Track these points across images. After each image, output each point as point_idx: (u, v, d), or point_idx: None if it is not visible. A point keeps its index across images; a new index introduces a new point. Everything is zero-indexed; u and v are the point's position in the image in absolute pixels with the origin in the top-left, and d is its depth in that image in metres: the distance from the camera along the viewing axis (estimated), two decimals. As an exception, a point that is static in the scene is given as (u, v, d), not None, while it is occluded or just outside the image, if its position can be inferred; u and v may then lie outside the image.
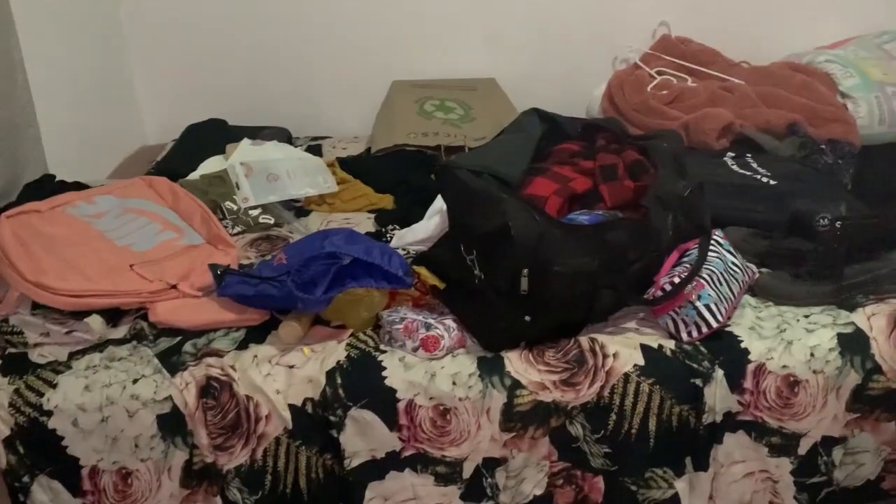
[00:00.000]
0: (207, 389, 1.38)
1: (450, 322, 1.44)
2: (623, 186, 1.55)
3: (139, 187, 1.80)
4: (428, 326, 1.41)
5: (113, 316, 1.53)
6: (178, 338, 1.48)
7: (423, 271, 1.54)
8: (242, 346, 1.46)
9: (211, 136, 2.36)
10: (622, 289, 1.39)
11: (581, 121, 1.80)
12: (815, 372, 1.36)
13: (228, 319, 1.51)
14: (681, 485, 1.41)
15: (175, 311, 1.52)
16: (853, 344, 1.37)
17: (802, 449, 1.40)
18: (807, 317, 1.43)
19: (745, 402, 1.37)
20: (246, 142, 2.20)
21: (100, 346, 1.46)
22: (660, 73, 2.34)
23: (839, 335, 1.38)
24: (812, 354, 1.36)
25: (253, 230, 1.93)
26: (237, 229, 1.92)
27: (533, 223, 1.32)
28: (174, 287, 1.56)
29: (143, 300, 1.52)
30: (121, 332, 1.51)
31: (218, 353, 1.44)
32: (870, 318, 1.39)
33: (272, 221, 1.95)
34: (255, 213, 1.95)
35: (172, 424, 1.38)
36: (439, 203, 1.73)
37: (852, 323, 1.39)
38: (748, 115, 2.15)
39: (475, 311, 1.44)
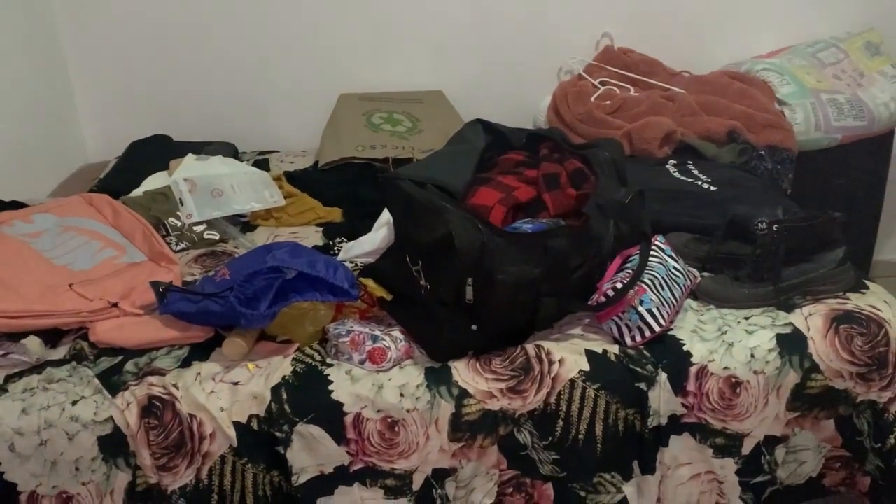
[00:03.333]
0: (149, 409, 1.36)
1: (396, 333, 1.44)
2: (566, 194, 1.56)
3: (79, 205, 1.77)
4: (375, 338, 1.41)
5: (52, 337, 1.50)
6: (120, 357, 1.45)
7: (369, 283, 1.54)
8: (185, 364, 1.44)
9: (155, 153, 2.32)
10: (565, 295, 1.40)
11: (525, 131, 1.81)
12: (755, 372, 1.38)
13: (171, 337, 1.49)
14: (629, 489, 1.42)
15: (116, 331, 1.49)
16: (791, 344, 1.39)
17: (746, 449, 1.42)
18: (747, 318, 1.46)
19: (688, 404, 1.39)
20: (190, 157, 2.17)
21: (38, 368, 1.43)
22: (603, 84, 2.37)
23: (778, 336, 1.40)
24: (752, 355, 1.39)
25: (198, 246, 1.90)
26: (181, 246, 1.89)
27: (476, 232, 1.32)
28: (115, 306, 1.53)
29: (83, 320, 1.49)
30: (60, 353, 1.48)
31: (160, 372, 1.41)
32: (807, 319, 1.43)
33: (217, 237, 1.93)
34: (199, 228, 1.92)
35: (114, 446, 1.35)
36: (386, 215, 1.72)
37: (790, 323, 1.42)
38: (689, 123, 2.19)
39: (422, 321, 1.43)
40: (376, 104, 2.47)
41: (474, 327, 1.38)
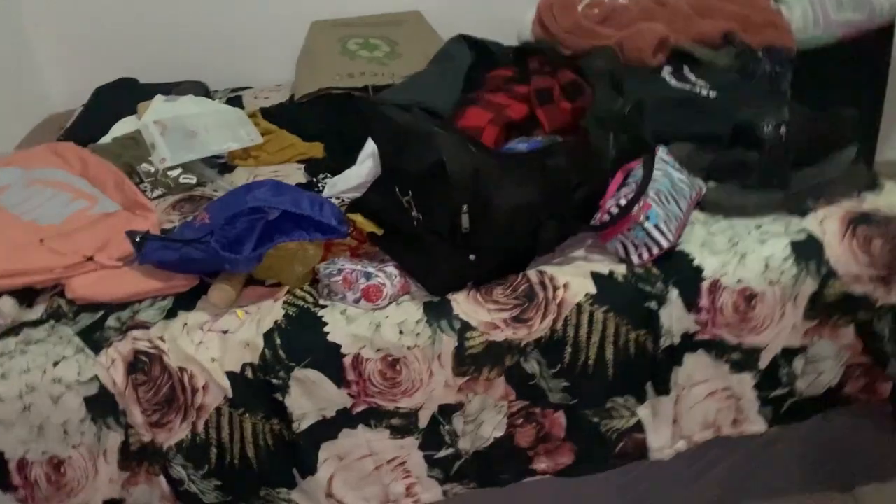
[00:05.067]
0: (136, 365, 1.29)
1: (391, 269, 1.36)
2: (560, 109, 1.47)
3: (45, 156, 1.67)
4: (368, 276, 1.33)
5: (26, 296, 1.42)
6: (101, 313, 1.38)
7: (358, 218, 1.46)
8: (171, 315, 1.36)
9: (122, 97, 2.21)
10: (566, 217, 1.32)
11: (513, 47, 1.71)
12: (770, 283, 1.31)
13: (153, 288, 1.41)
14: (644, 412, 1.37)
15: (94, 285, 1.41)
16: (807, 250, 1.33)
17: (763, 362, 1.36)
18: (758, 227, 1.38)
19: (702, 321, 1.33)
20: (159, 98, 2.06)
21: (14, 330, 1.35)
22: (589, -8, 2.24)
23: (792, 243, 1.33)
24: (767, 265, 1.32)
25: (174, 192, 1.81)
26: (157, 192, 1.80)
27: (468, 156, 1.24)
28: (90, 259, 1.44)
29: (58, 276, 1.41)
30: (36, 312, 1.40)
31: (144, 325, 1.34)
32: (822, 223, 1.35)
33: (194, 181, 1.83)
34: (174, 173, 1.82)
35: (102, 405, 1.29)
36: (370, 146, 1.63)
37: (805, 229, 1.35)
38: (682, 28, 2.07)
39: (416, 254, 1.36)
40: (351, 30, 2.34)
41: (472, 257, 1.30)
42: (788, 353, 1.36)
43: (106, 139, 1.94)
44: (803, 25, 2.08)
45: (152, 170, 1.80)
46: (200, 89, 2.28)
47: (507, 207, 1.25)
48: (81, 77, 2.40)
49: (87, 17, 2.41)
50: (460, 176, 1.22)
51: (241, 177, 1.87)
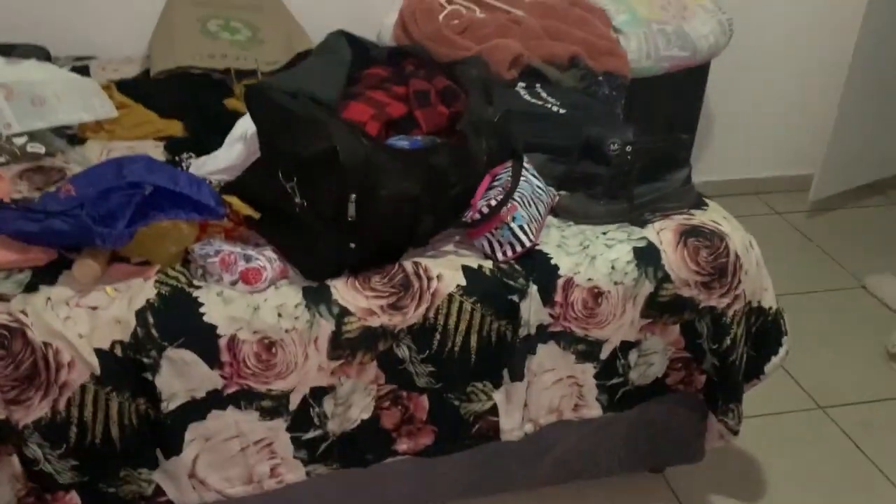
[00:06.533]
0: (-5, 338, 1.22)
1: (270, 253, 1.39)
2: (437, 112, 1.56)
3: None
4: (248, 258, 1.35)
5: None
6: (-51, 284, 1.29)
7: (234, 201, 1.46)
8: (30, 288, 1.30)
9: (-49, 55, 2.03)
10: (444, 212, 1.41)
11: (385, 47, 1.77)
12: (615, 283, 1.48)
13: (9, 260, 1.34)
14: (499, 396, 1.49)
15: (-59, 254, 1.32)
16: (647, 256, 1.50)
17: (604, 354, 1.52)
18: (605, 233, 1.54)
19: (555, 314, 1.47)
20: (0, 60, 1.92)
21: None
22: (449, 3, 2.35)
23: (634, 249, 1.50)
24: (613, 267, 1.48)
25: (20, 160, 1.71)
26: (1, 159, 1.68)
27: (359, 146, 1.29)
28: (-65, 226, 1.34)
29: None
30: None
31: (3, 298, 1.27)
32: (659, 233, 1.54)
33: (43, 151, 1.74)
34: (20, 141, 1.72)
35: (-47, 381, 1.21)
36: (241, 128, 1.63)
37: (645, 237, 1.53)
38: (533, 48, 2.24)
39: (295, 239, 1.39)
40: (211, 10, 2.29)
41: (352, 245, 1.36)
42: (625, 347, 1.53)
43: (-63, 99, 1.79)
44: (638, 57, 2.32)
45: (-4, 135, 1.69)
46: (41, 54, 2.14)
47: (392, 198, 1.32)
48: None
49: None
50: (352, 164, 1.27)
51: (93, 150, 1.79)
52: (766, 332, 1.61)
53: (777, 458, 1.93)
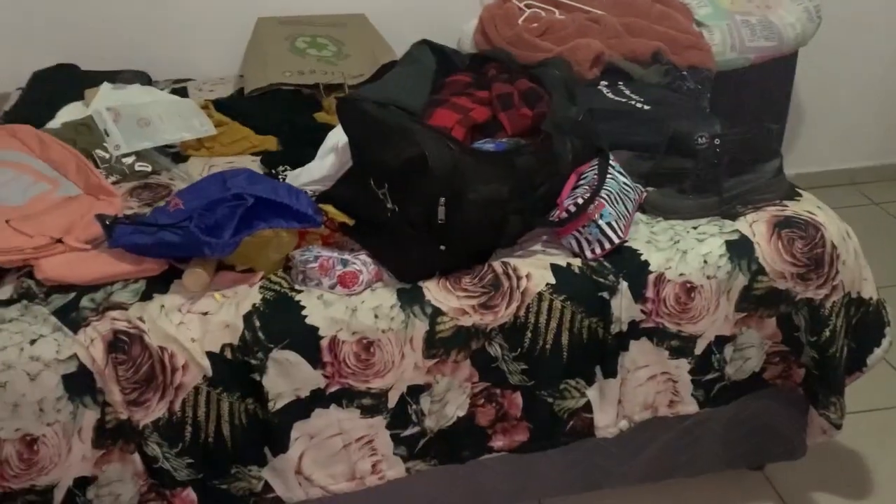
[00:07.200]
0: (116, 344, 1.31)
1: (364, 257, 1.44)
2: (520, 114, 1.58)
3: (1, 137, 1.65)
4: (345, 263, 1.40)
5: (-8, 276, 1.41)
6: (73, 294, 1.39)
7: (329, 209, 1.52)
8: (145, 297, 1.39)
9: (63, 83, 2.19)
10: (531, 213, 1.44)
11: (468, 54, 1.81)
12: (708, 277, 1.47)
13: (125, 271, 1.43)
14: (592, 393, 1.50)
15: (64, 267, 1.42)
16: (740, 249, 1.49)
17: (698, 349, 1.51)
18: (695, 228, 1.54)
19: (647, 310, 1.47)
20: (107, 86, 2.06)
21: (-16, 310, 1.35)
22: (528, 7, 2.38)
23: (727, 242, 1.49)
24: (705, 261, 1.47)
25: (129, 179, 1.82)
26: (112, 178, 1.80)
27: (447, 151, 1.33)
28: (59, 241, 1.45)
29: (28, 257, 1.41)
30: (5, 293, 1.40)
31: (121, 306, 1.36)
32: (751, 225, 1.52)
33: (149, 169, 1.85)
34: (129, 160, 1.83)
35: (80, 384, 1.30)
36: (333, 140, 1.69)
37: (737, 230, 1.51)
38: (614, 45, 2.24)
39: (388, 244, 1.44)
40: (298, 28, 2.38)
41: (442, 247, 1.40)
42: (720, 341, 1.52)
43: (54, 124, 1.92)
44: (722, 49, 2.29)
45: (107, 156, 1.80)
46: (143, 79, 2.28)
47: (480, 201, 1.35)
48: (14, 60, 2.35)
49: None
50: (441, 170, 1.31)
51: (195, 167, 1.89)
52: (867, 324, 1.57)
53: (883, 454, 1.86)
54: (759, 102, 2.48)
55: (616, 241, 1.47)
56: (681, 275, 1.46)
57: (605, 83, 2.09)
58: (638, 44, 2.23)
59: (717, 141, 1.59)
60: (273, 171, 1.80)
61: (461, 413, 1.46)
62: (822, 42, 2.53)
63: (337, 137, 1.67)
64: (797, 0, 2.42)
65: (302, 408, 1.39)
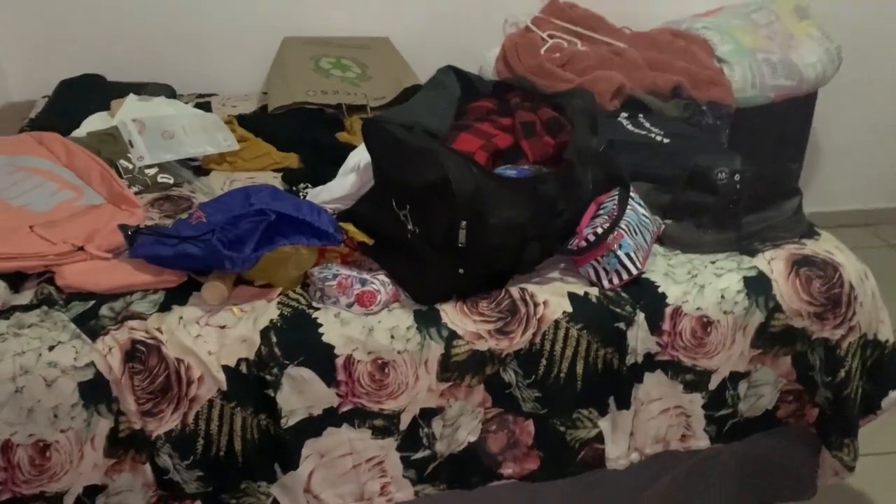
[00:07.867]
0: (133, 353, 1.32)
1: (383, 277, 1.44)
2: (543, 142, 1.59)
3: (29, 144, 1.67)
4: (363, 282, 1.41)
5: (13, 281, 1.42)
6: (92, 302, 1.40)
7: (350, 228, 1.53)
8: (163, 308, 1.40)
9: (89, 92, 2.22)
10: (551, 240, 1.44)
11: (491, 81, 1.83)
12: (725, 312, 1.47)
13: (145, 281, 1.44)
14: (604, 423, 1.49)
15: (85, 275, 1.43)
16: (757, 286, 1.49)
17: (713, 384, 1.51)
18: (713, 262, 1.54)
19: (663, 343, 1.47)
20: (132, 97, 2.08)
21: (4, 313, 1.36)
22: (551, 37, 2.40)
23: (745, 278, 1.49)
24: (723, 296, 1.47)
25: (151, 190, 1.84)
26: (134, 189, 1.82)
27: (470, 175, 1.34)
28: (81, 249, 1.46)
29: (50, 263, 1.43)
30: (25, 297, 1.41)
31: (140, 316, 1.37)
32: (770, 262, 1.52)
33: (171, 181, 1.86)
34: (151, 172, 1.85)
35: (96, 392, 1.30)
36: (354, 159, 1.71)
37: (755, 267, 1.52)
38: (635, 78, 2.26)
39: (407, 265, 1.44)
40: (323, 49, 2.42)
41: (461, 270, 1.40)
42: (735, 378, 1.51)
43: (79, 132, 1.95)
44: (742, 86, 2.31)
45: (130, 167, 1.82)
46: (168, 92, 2.31)
47: (501, 226, 1.36)
48: (41, 68, 2.39)
49: (53, 8, 2.39)
50: (463, 194, 1.32)
51: (216, 181, 1.91)
52: (882, 366, 1.56)
53: (894, 499, 1.85)
54: (778, 140, 2.49)
55: (634, 272, 1.47)
56: (698, 309, 1.46)
57: (626, 115, 2.10)
58: (659, 77, 2.25)
59: (737, 177, 1.59)
60: (294, 189, 1.82)
61: (472, 438, 1.46)
62: (842, 83, 2.55)
63: (359, 157, 1.68)
64: (819, 41, 2.44)
65: (314, 426, 1.39)
